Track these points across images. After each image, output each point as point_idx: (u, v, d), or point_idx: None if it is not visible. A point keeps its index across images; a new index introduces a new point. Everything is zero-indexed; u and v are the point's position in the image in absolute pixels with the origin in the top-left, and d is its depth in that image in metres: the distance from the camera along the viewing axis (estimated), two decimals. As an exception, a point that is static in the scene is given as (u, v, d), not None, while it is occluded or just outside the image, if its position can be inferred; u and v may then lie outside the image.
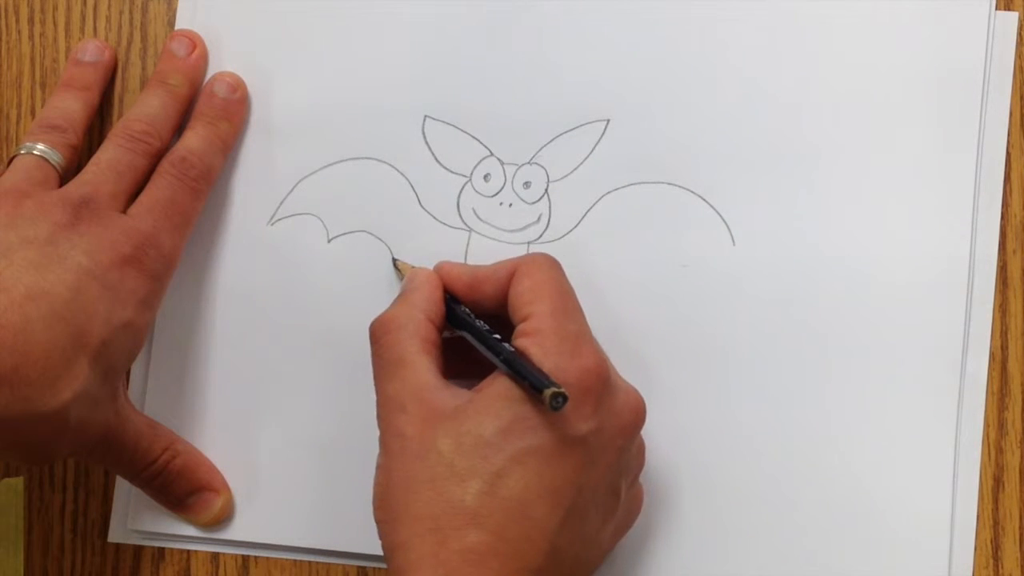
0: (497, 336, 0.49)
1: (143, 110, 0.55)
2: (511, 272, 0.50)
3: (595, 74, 0.56)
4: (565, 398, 0.45)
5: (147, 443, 0.54)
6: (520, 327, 0.49)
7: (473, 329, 0.50)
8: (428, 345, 0.50)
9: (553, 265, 0.50)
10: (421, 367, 0.49)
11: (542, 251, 0.52)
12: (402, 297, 0.52)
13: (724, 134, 0.56)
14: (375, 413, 0.56)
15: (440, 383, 0.49)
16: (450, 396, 0.48)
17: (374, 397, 0.56)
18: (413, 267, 0.54)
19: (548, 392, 0.45)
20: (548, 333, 0.48)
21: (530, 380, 0.46)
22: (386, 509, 0.48)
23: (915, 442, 0.55)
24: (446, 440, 0.47)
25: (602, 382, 0.48)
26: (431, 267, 0.54)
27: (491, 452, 0.46)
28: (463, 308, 0.51)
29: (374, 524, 0.55)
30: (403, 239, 0.57)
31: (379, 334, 0.50)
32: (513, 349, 0.48)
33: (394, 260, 0.56)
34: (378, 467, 0.49)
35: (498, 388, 0.47)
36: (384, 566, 0.57)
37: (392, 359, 0.49)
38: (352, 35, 0.57)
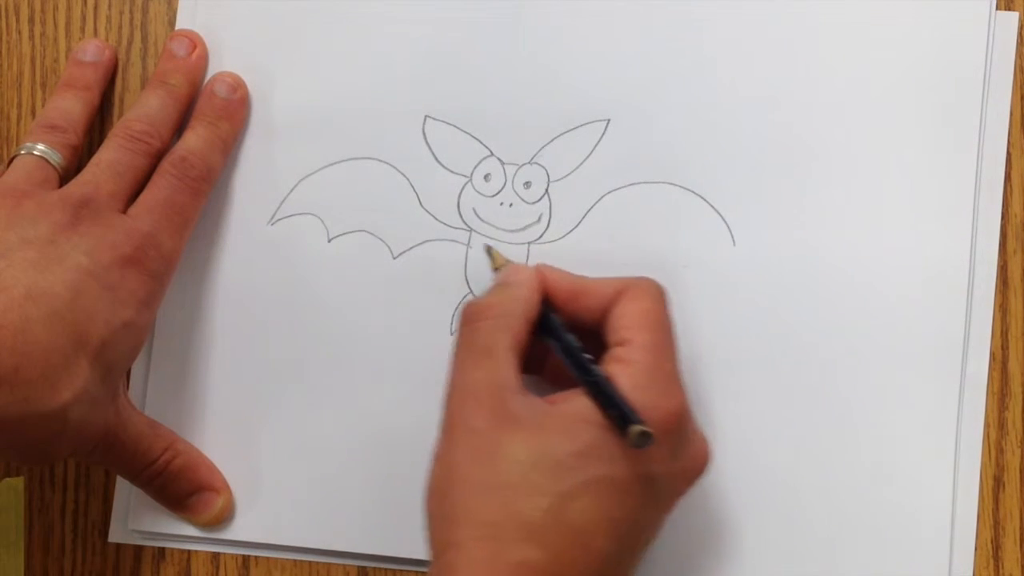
0: (589, 356, 0.48)
1: (143, 110, 0.55)
2: (618, 292, 0.49)
3: (595, 74, 0.56)
4: (651, 438, 0.44)
5: (147, 443, 0.54)
6: (614, 351, 0.48)
7: (565, 341, 0.49)
8: (517, 344, 0.48)
9: (660, 295, 0.49)
10: (507, 364, 0.48)
11: (648, 277, 0.50)
12: (502, 288, 0.50)
13: (724, 134, 0.56)
14: (376, 412, 0.56)
15: (519, 387, 0.47)
16: (527, 404, 0.47)
17: (374, 396, 0.56)
18: (511, 260, 0.53)
19: (635, 429, 0.44)
20: (643, 366, 0.47)
21: (619, 411, 0.45)
22: (442, 504, 0.47)
23: (915, 442, 0.55)
24: (521, 450, 0.46)
25: (683, 427, 0.47)
26: (430, 266, 0.54)
27: (565, 473, 0.45)
28: (558, 318, 0.50)
29: (374, 524, 0.56)
30: (403, 239, 0.57)
31: (473, 318, 0.49)
32: (603, 374, 0.47)
33: (488, 247, 0.55)
34: (436, 457, 0.48)
35: (578, 408, 0.46)
36: (384, 566, 0.57)
37: (481, 348, 0.48)
38: (353, 35, 0.57)
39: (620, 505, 0.46)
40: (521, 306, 0.49)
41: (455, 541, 0.46)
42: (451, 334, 0.56)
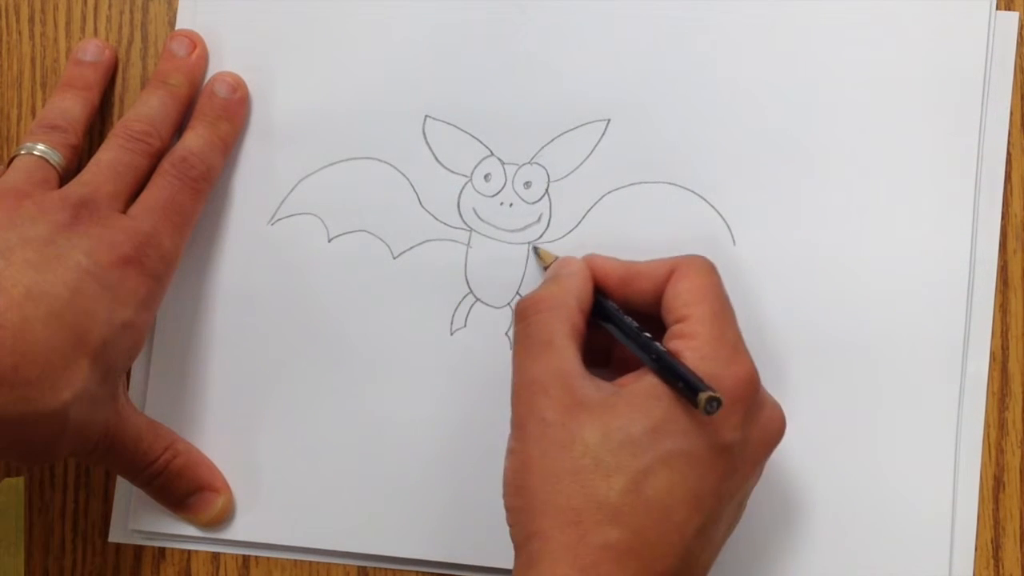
0: (647, 334, 0.48)
1: (143, 110, 0.55)
2: (669, 271, 0.49)
3: (595, 74, 0.56)
4: (720, 403, 0.44)
5: (147, 443, 0.54)
6: (675, 328, 0.48)
7: (623, 324, 0.49)
8: (575, 332, 0.49)
9: (712, 269, 0.50)
10: (568, 352, 0.48)
11: (698, 254, 0.50)
12: (554, 280, 0.51)
13: (725, 134, 0.56)
14: (376, 412, 0.56)
15: (584, 371, 0.48)
16: (594, 387, 0.47)
17: (374, 396, 0.56)
18: (557, 256, 0.54)
19: (704, 396, 0.44)
20: (705, 337, 0.47)
21: (685, 381, 0.45)
22: (522, 496, 0.47)
23: (916, 442, 0.55)
24: (593, 433, 0.46)
25: (753, 393, 0.47)
26: (430, 265, 0.54)
27: (639, 450, 0.45)
28: (612, 303, 0.50)
29: (374, 524, 0.56)
30: (403, 239, 0.57)
31: (528, 312, 0.50)
32: (665, 349, 0.47)
33: (535, 248, 0.55)
34: (510, 452, 0.48)
35: (646, 386, 0.47)
36: (384, 566, 0.57)
37: (540, 340, 0.48)
38: (353, 35, 0.57)
39: (698, 477, 0.46)
40: (574, 295, 0.50)
41: (537, 531, 0.46)
42: (451, 334, 0.56)
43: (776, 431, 0.49)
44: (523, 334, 0.49)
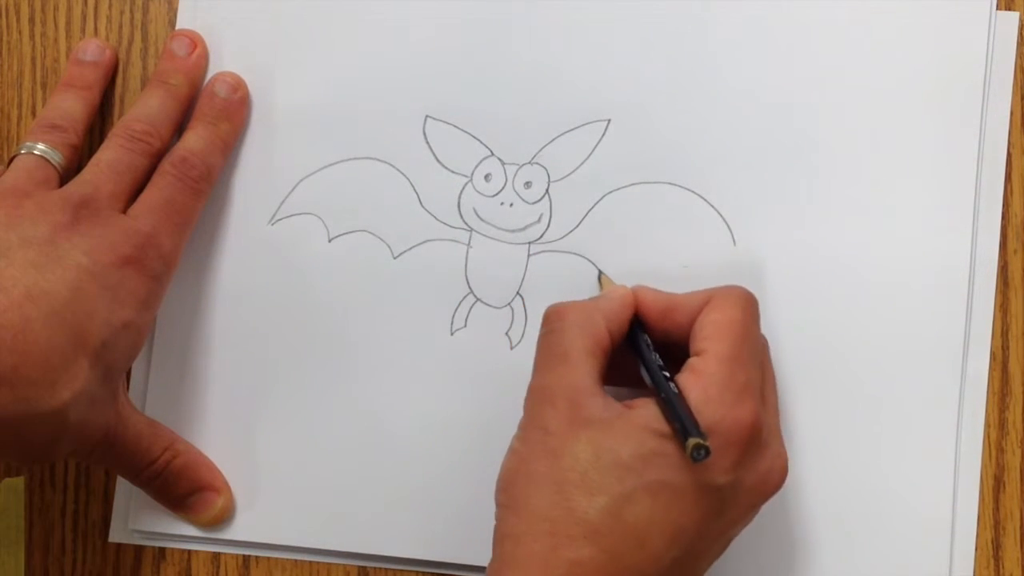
0: (666, 374, 0.48)
1: (143, 110, 0.55)
2: (704, 301, 0.49)
3: (596, 74, 0.56)
4: (707, 452, 0.44)
5: (147, 443, 0.54)
6: (690, 361, 0.48)
7: (645, 358, 0.49)
8: (596, 348, 0.49)
9: (747, 304, 0.49)
10: (583, 367, 0.48)
11: (739, 286, 0.50)
12: (592, 298, 0.51)
13: (725, 134, 0.56)
14: (376, 412, 0.56)
15: (596, 390, 0.48)
16: (601, 406, 0.47)
17: (374, 396, 0.56)
18: (616, 284, 0.53)
19: (692, 442, 0.44)
20: (713, 378, 0.47)
21: (680, 424, 0.45)
22: (508, 494, 0.47)
23: (916, 442, 0.55)
24: (585, 448, 0.46)
25: (751, 439, 0.47)
26: (430, 265, 0.54)
27: (626, 475, 0.46)
28: (645, 337, 0.50)
29: (374, 524, 0.56)
30: (404, 239, 0.57)
31: (552, 321, 0.50)
32: (675, 389, 0.47)
33: (600, 273, 0.55)
34: (511, 450, 0.48)
35: (647, 415, 0.47)
36: (384, 566, 0.57)
37: (558, 350, 0.49)
38: (353, 35, 0.57)
39: (680, 512, 0.46)
40: (603, 313, 0.50)
41: (513, 533, 0.46)
42: (451, 334, 0.56)
43: (773, 481, 0.49)
44: (544, 341, 0.50)
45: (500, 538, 0.47)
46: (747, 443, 0.47)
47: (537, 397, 0.49)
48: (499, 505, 0.48)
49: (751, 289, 0.54)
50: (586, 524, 0.45)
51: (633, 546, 0.45)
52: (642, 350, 0.50)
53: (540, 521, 0.46)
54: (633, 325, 0.51)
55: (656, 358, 0.49)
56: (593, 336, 0.49)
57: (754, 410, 0.47)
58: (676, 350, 0.50)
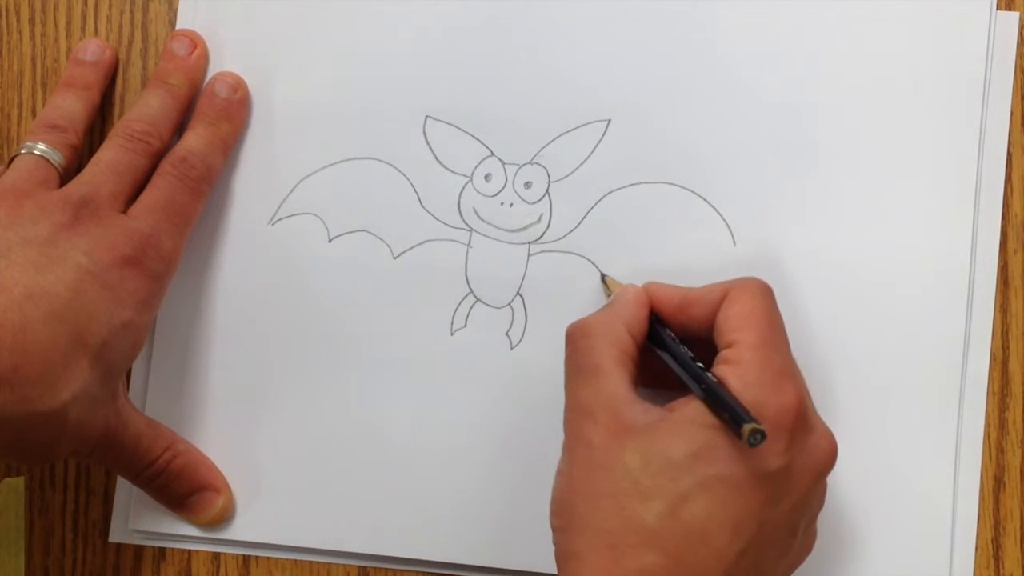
0: (699, 364, 0.48)
1: (143, 110, 0.55)
2: (722, 295, 0.49)
3: (596, 74, 0.56)
4: (763, 435, 0.44)
5: (147, 443, 0.54)
6: (723, 353, 0.48)
7: (675, 353, 0.49)
8: (625, 356, 0.49)
9: (765, 292, 0.49)
10: (615, 377, 0.48)
11: (753, 276, 0.50)
12: (606, 307, 0.51)
13: (725, 134, 0.56)
14: (376, 412, 0.56)
15: (632, 396, 0.48)
16: (641, 411, 0.47)
17: (374, 396, 0.56)
18: (622, 284, 0.53)
19: (747, 428, 0.44)
20: (751, 364, 0.47)
21: (729, 413, 0.45)
22: (564, 517, 0.47)
23: (916, 442, 0.55)
24: (634, 456, 0.46)
25: (799, 420, 0.47)
26: (430, 265, 0.54)
27: (678, 475, 0.45)
28: (668, 331, 0.50)
29: (374, 524, 0.56)
30: (404, 239, 0.57)
31: (576, 338, 0.50)
32: (715, 379, 0.47)
33: (602, 276, 0.55)
34: (559, 472, 0.48)
35: (692, 412, 0.46)
36: (384, 566, 0.57)
37: (587, 365, 0.49)
38: (353, 35, 0.57)
39: (739, 503, 0.46)
40: (623, 320, 0.50)
41: (575, 552, 0.46)
42: (451, 334, 0.56)
43: (824, 458, 0.48)
44: (572, 359, 0.50)
45: (563, 560, 0.47)
46: (794, 424, 0.46)
47: (576, 415, 0.48)
48: (556, 530, 0.48)
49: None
50: (645, 531, 0.45)
51: (695, 545, 0.45)
52: (669, 345, 0.49)
53: (599, 535, 0.45)
54: (653, 323, 0.51)
55: (686, 350, 0.49)
56: (619, 345, 0.49)
57: (796, 391, 0.47)
58: (694, 347, 0.50)
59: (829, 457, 0.48)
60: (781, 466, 0.46)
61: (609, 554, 0.45)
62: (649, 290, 0.51)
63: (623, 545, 0.45)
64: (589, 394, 0.48)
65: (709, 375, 0.47)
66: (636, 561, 0.45)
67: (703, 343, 0.49)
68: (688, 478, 0.45)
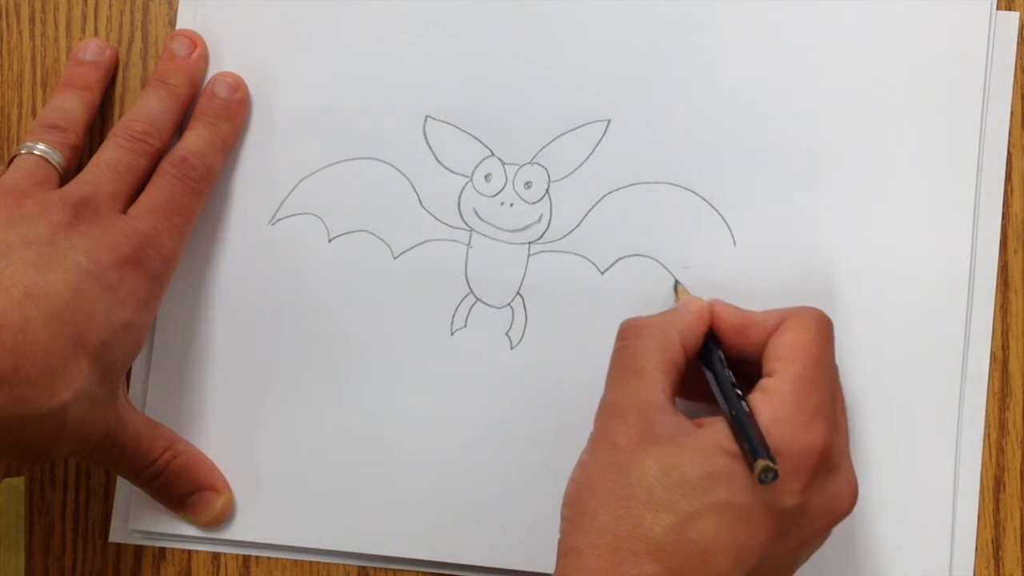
0: (738, 391, 0.48)
1: (143, 110, 0.55)
2: (779, 321, 0.49)
3: (596, 74, 0.56)
4: (776, 475, 0.44)
5: (147, 443, 0.54)
6: (762, 381, 0.48)
7: (717, 374, 0.49)
8: (670, 365, 0.49)
9: (821, 326, 0.49)
10: (655, 384, 0.48)
11: (814, 308, 0.49)
12: (666, 312, 0.51)
13: (725, 134, 0.56)
14: (376, 412, 0.56)
15: (666, 406, 0.48)
16: (671, 423, 0.47)
17: (374, 396, 0.56)
18: (691, 295, 0.53)
19: (760, 464, 0.44)
20: (785, 398, 0.47)
21: (749, 444, 0.45)
22: (573, 508, 0.47)
23: (916, 442, 0.55)
24: (654, 465, 0.46)
25: (821, 463, 0.46)
26: (430, 265, 0.54)
27: (692, 493, 0.45)
28: (719, 352, 0.50)
29: (374, 524, 0.56)
30: (404, 239, 0.57)
31: (627, 336, 0.50)
32: (747, 407, 0.47)
33: (676, 282, 0.55)
34: (579, 463, 0.48)
35: (717, 434, 0.46)
36: (384, 566, 0.57)
37: (630, 365, 0.49)
38: (353, 35, 0.57)
39: (746, 532, 0.46)
40: (677, 329, 0.49)
41: (577, 547, 0.46)
42: (451, 334, 0.56)
43: (842, 505, 0.48)
44: (618, 356, 0.50)
45: (564, 551, 0.47)
46: (816, 466, 0.46)
47: (608, 412, 0.48)
48: (564, 518, 0.48)
49: (751, 289, 0.54)
50: (650, 541, 0.45)
51: (696, 565, 0.45)
52: (715, 366, 0.49)
53: (604, 535, 0.46)
54: (708, 340, 0.50)
55: (729, 375, 0.49)
56: (667, 352, 0.49)
57: (825, 433, 0.47)
58: (747, 368, 0.50)
59: (848, 504, 0.48)
60: (795, 505, 0.46)
61: (609, 556, 0.45)
62: (714, 307, 0.51)
63: (625, 550, 0.45)
64: (625, 394, 0.48)
65: (743, 403, 0.47)
66: (635, 569, 0.45)
67: (759, 368, 0.49)
68: (701, 498, 0.45)
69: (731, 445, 0.46)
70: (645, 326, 0.49)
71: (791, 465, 0.46)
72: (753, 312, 0.50)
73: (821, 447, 0.46)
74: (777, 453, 0.45)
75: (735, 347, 0.50)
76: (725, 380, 0.48)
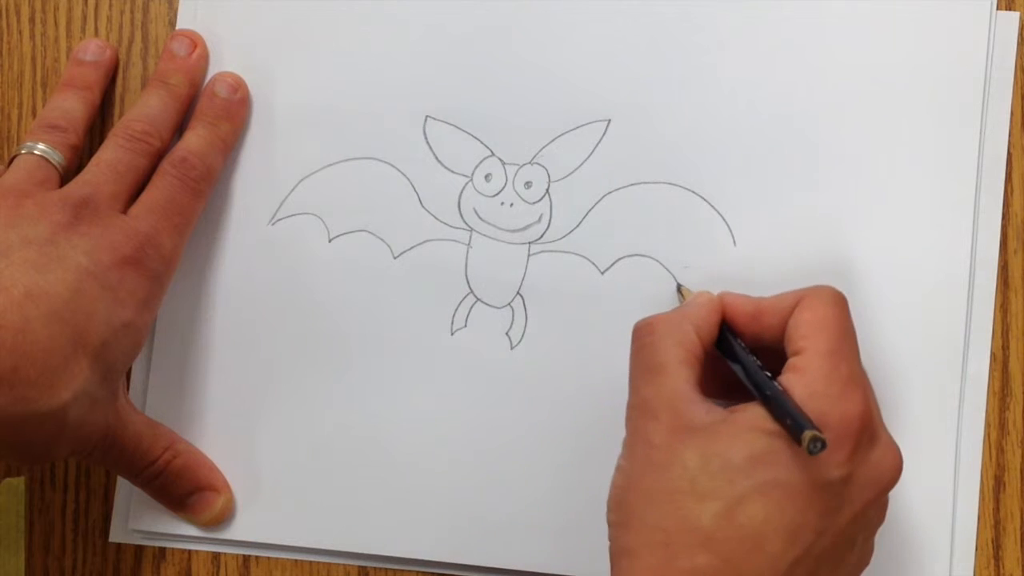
0: (767, 373, 0.48)
1: (143, 110, 0.55)
2: (794, 302, 0.49)
3: (596, 74, 0.56)
4: (824, 444, 0.44)
5: (147, 443, 0.54)
6: (791, 361, 0.48)
7: (744, 361, 0.49)
8: (690, 356, 0.48)
9: (837, 301, 0.49)
10: (679, 376, 0.48)
11: (828, 285, 0.50)
12: (676, 308, 0.51)
13: (725, 134, 0.56)
14: (376, 412, 0.56)
15: (696, 396, 0.47)
16: (704, 412, 0.47)
17: (374, 396, 0.56)
18: (696, 291, 0.53)
19: (808, 435, 0.44)
20: (818, 372, 0.46)
21: (791, 420, 0.45)
22: (620, 512, 0.47)
23: (916, 442, 0.55)
24: (693, 456, 0.46)
25: (863, 431, 0.46)
26: (430, 265, 0.54)
27: (737, 477, 0.45)
28: (738, 341, 0.50)
29: (374, 524, 0.56)
30: (404, 239, 0.57)
31: (642, 335, 0.49)
32: (780, 388, 0.46)
33: (678, 286, 0.55)
34: (618, 468, 0.48)
35: (754, 416, 0.46)
36: (384, 566, 0.57)
37: (652, 363, 0.48)
38: (353, 35, 0.57)
39: (796, 510, 0.45)
40: (691, 321, 0.49)
41: (628, 548, 0.46)
42: (451, 334, 0.56)
43: (887, 473, 0.48)
44: (637, 356, 0.49)
45: (617, 556, 0.47)
46: (858, 434, 0.46)
47: (638, 412, 0.48)
48: (611, 524, 0.48)
49: (751, 289, 0.54)
50: (700, 531, 0.45)
51: (750, 549, 0.45)
52: (738, 352, 0.49)
53: (654, 533, 0.45)
54: (724, 331, 0.50)
55: (754, 359, 0.49)
56: (685, 344, 0.48)
57: (862, 400, 0.46)
58: (765, 355, 0.49)
59: (893, 472, 0.48)
60: (842, 476, 0.46)
61: (662, 552, 0.45)
62: (723, 298, 0.51)
63: (677, 544, 0.45)
64: (652, 392, 0.48)
65: (775, 383, 0.47)
66: (689, 561, 0.44)
67: (776, 353, 0.49)
68: (746, 481, 0.45)
69: (769, 425, 0.46)
70: (659, 323, 0.49)
71: (833, 436, 0.45)
72: (764, 298, 0.50)
73: (861, 415, 0.46)
74: (818, 425, 0.45)
75: (751, 335, 0.50)
76: (752, 364, 0.48)
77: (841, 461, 0.46)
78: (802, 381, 0.46)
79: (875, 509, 0.48)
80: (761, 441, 0.46)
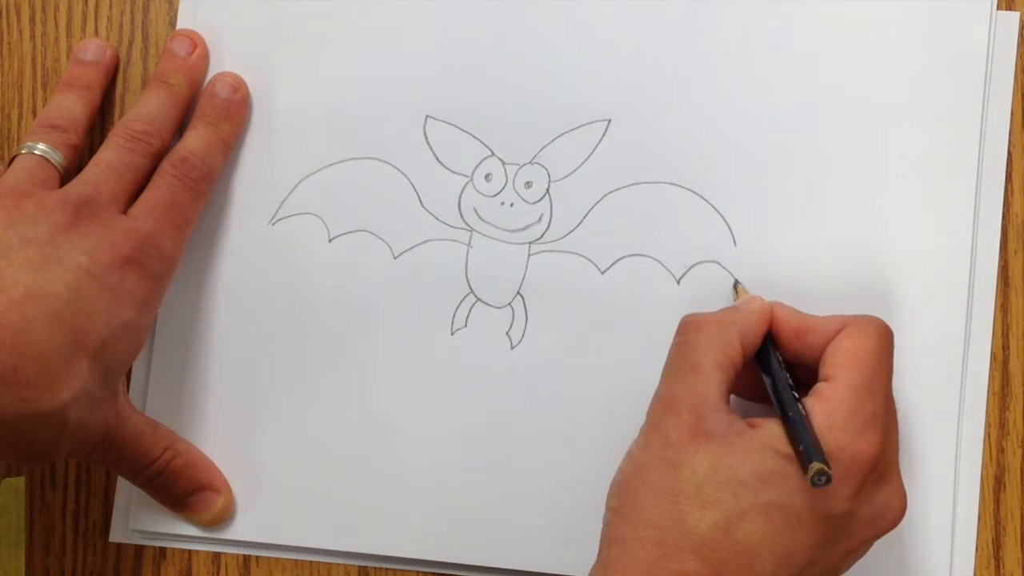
0: (795, 394, 0.48)
1: (144, 110, 0.55)
2: (838, 328, 0.49)
3: (596, 74, 0.56)
4: (829, 479, 0.44)
5: (147, 443, 0.54)
6: (819, 385, 0.48)
7: (776, 376, 0.49)
8: (728, 362, 0.48)
9: (881, 336, 0.49)
10: (712, 381, 0.48)
11: (875, 317, 0.49)
12: (727, 309, 0.51)
13: (725, 134, 0.56)
14: (376, 412, 0.56)
15: (722, 405, 0.48)
16: (725, 421, 0.47)
17: (374, 396, 0.56)
18: (751, 294, 0.53)
19: (815, 467, 0.44)
20: (841, 404, 0.47)
21: (804, 447, 0.45)
22: (620, 499, 0.47)
23: (916, 442, 0.55)
24: (704, 462, 0.46)
25: (872, 471, 0.46)
26: (430, 265, 0.54)
27: (742, 492, 0.45)
28: (777, 354, 0.50)
29: (374, 524, 0.56)
30: (404, 239, 0.57)
31: (688, 330, 0.49)
32: (803, 411, 0.46)
33: (735, 282, 0.55)
34: (629, 454, 0.48)
35: (770, 435, 0.46)
36: (384, 566, 0.57)
37: (689, 361, 0.48)
38: (353, 35, 0.57)
39: (792, 535, 0.45)
40: (737, 327, 0.49)
41: (621, 538, 0.46)
42: (451, 334, 0.56)
43: (890, 515, 0.48)
44: (677, 350, 0.49)
45: (607, 542, 0.47)
46: (867, 474, 0.46)
47: (662, 405, 0.48)
48: (610, 509, 0.48)
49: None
50: (695, 537, 0.45)
51: (741, 565, 0.45)
52: (773, 367, 0.49)
53: (649, 528, 0.46)
54: (766, 342, 0.50)
55: (786, 377, 0.49)
56: (725, 350, 0.48)
57: (878, 442, 0.47)
58: (803, 372, 0.50)
59: (895, 515, 0.48)
60: (843, 512, 0.46)
61: (653, 550, 0.45)
62: (773, 309, 0.51)
63: (669, 545, 0.45)
64: (681, 389, 0.48)
65: (799, 406, 0.47)
66: (679, 563, 0.45)
67: (814, 372, 0.49)
68: (749, 497, 0.45)
69: (783, 447, 0.46)
70: (706, 322, 0.49)
71: (842, 471, 0.46)
72: (812, 316, 0.50)
73: (873, 456, 0.46)
74: (829, 458, 0.45)
75: (792, 350, 0.50)
76: (783, 382, 0.48)
77: (846, 497, 0.46)
78: (825, 410, 0.47)
79: (867, 546, 0.49)
80: (772, 461, 0.46)
